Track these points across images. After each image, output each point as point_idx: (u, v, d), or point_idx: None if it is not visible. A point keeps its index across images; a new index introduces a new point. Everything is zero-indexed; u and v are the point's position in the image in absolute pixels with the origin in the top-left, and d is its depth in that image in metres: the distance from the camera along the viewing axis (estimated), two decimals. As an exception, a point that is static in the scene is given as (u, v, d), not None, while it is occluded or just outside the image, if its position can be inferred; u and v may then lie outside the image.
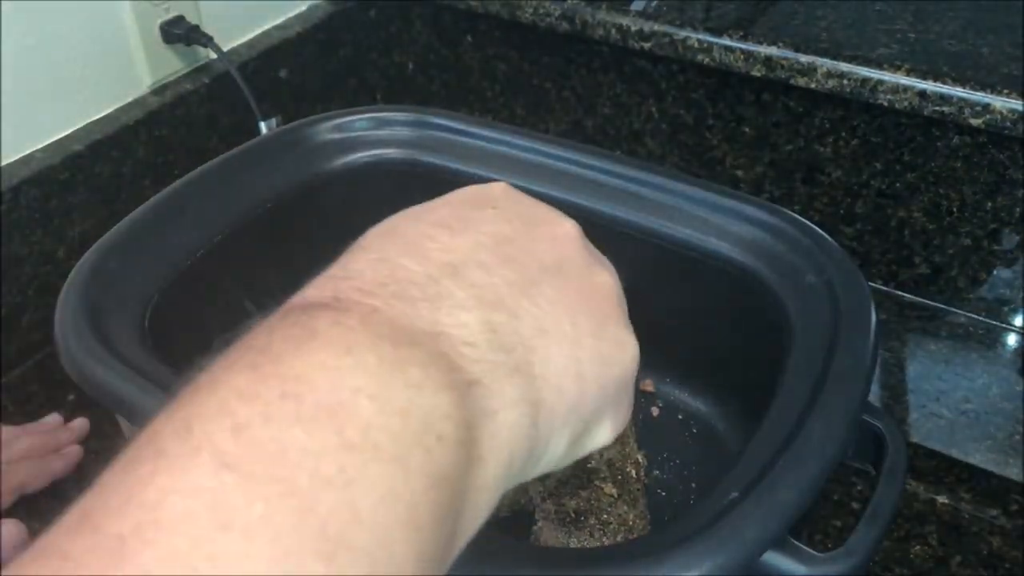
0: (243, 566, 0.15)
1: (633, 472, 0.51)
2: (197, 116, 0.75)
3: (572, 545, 0.46)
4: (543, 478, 0.50)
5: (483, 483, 0.21)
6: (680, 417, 0.59)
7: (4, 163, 0.64)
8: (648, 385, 0.61)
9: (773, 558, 0.36)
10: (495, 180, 0.58)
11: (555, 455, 0.25)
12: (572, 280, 0.26)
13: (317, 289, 0.22)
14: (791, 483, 0.36)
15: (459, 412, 0.20)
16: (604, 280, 0.27)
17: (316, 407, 0.18)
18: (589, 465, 0.50)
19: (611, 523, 0.47)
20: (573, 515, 0.47)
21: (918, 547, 0.55)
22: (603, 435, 0.26)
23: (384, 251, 0.24)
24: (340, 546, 0.16)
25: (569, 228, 0.28)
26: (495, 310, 0.23)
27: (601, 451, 0.51)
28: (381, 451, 0.18)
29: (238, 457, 0.17)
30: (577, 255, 0.27)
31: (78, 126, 0.68)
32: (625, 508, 0.48)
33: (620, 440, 0.52)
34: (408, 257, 0.23)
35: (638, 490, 0.50)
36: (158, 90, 0.73)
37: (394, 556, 0.17)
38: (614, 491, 0.49)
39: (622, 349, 0.27)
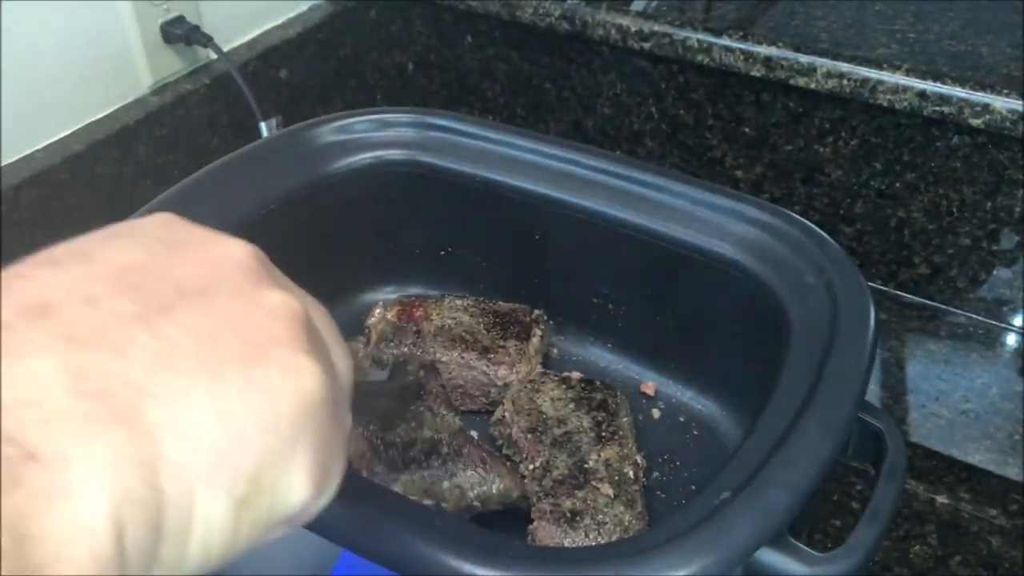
0: None
1: (631, 473, 0.51)
2: (197, 116, 0.75)
3: (567, 544, 0.46)
4: (540, 477, 0.50)
5: None
6: (681, 419, 0.59)
7: (4, 163, 0.64)
8: (649, 387, 0.61)
9: (772, 557, 0.37)
10: (496, 182, 0.59)
11: (215, 526, 0.19)
12: (223, 303, 0.21)
13: None
14: (783, 482, 0.37)
15: None
16: (275, 300, 0.22)
17: None
18: (587, 466, 0.50)
19: (607, 523, 0.47)
20: (569, 515, 0.47)
21: (918, 547, 0.55)
22: (298, 489, 0.21)
23: None
24: None
25: (233, 248, 0.23)
26: (88, 349, 0.18)
27: (599, 451, 0.51)
28: None
29: None
30: (237, 276, 0.22)
31: (78, 126, 0.68)
32: (622, 508, 0.48)
33: (619, 440, 0.52)
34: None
35: (636, 491, 0.50)
36: (158, 90, 0.73)
37: None
38: (611, 491, 0.49)
39: (295, 375, 0.21)
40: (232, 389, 0.20)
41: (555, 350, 0.63)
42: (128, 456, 0.18)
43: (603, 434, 0.52)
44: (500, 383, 0.57)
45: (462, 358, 0.58)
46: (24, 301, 0.19)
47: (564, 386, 0.55)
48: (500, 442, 0.55)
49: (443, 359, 0.58)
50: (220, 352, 0.20)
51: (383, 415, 0.50)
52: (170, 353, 0.19)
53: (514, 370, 0.57)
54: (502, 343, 0.58)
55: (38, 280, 0.20)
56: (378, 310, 0.61)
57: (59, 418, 0.17)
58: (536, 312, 0.61)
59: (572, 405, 0.54)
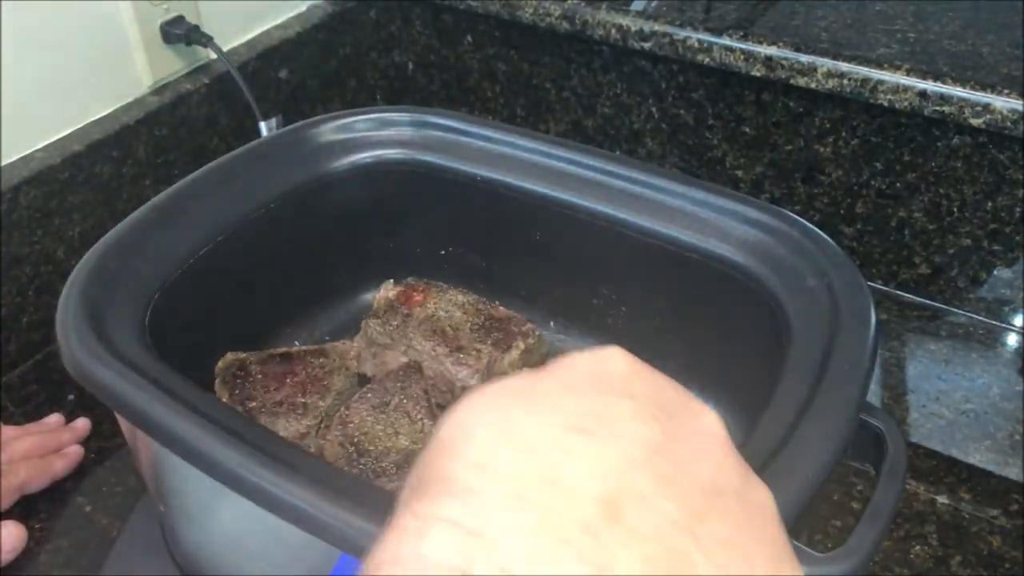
0: None
1: None
2: (197, 116, 0.75)
3: None
4: None
5: None
6: (680, 417, 0.59)
7: (4, 163, 0.64)
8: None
9: (773, 558, 0.36)
10: (496, 181, 0.59)
11: None
12: (733, 504, 0.19)
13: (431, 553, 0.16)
14: (786, 483, 0.37)
15: None
16: (763, 498, 0.20)
17: None
18: None
19: None
20: None
21: (918, 547, 0.55)
22: None
23: (497, 458, 0.18)
24: None
25: (712, 421, 0.22)
26: (666, 562, 0.17)
27: None
28: None
29: None
30: (730, 462, 0.21)
31: (78, 126, 0.68)
32: None
33: None
34: (539, 480, 0.17)
35: None
36: (158, 90, 0.73)
37: None
38: None
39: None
40: None
41: (554, 350, 0.63)
42: None
43: None
44: (459, 384, 0.57)
45: (434, 351, 0.58)
46: (591, 490, 0.17)
47: None
48: None
49: (417, 347, 0.58)
50: (751, 559, 0.18)
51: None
52: (723, 563, 0.18)
53: (477, 376, 0.57)
54: (478, 346, 0.58)
55: (587, 459, 0.18)
56: (385, 286, 0.62)
57: None
58: (528, 326, 0.60)
59: None
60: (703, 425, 0.21)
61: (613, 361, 0.22)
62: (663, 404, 0.21)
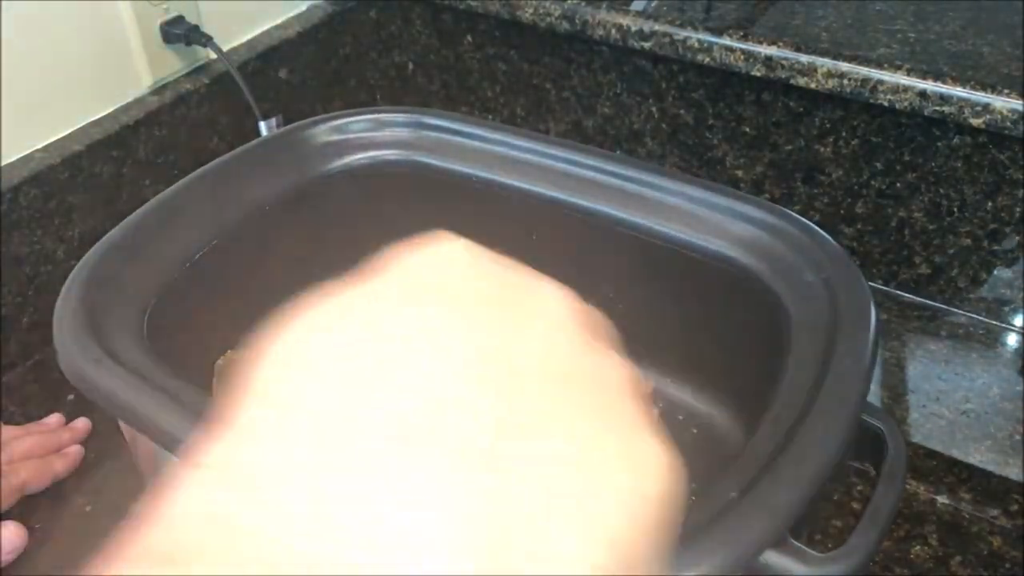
0: None
1: None
2: (197, 116, 0.75)
3: None
4: None
5: None
6: (680, 417, 0.59)
7: (4, 163, 0.64)
8: (648, 386, 0.61)
9: (773, 558, 0.36)
10: (493, 181, 0.58)
11: None
12: (575, 389, 0.18)
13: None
14: (790, 483, 0.36)
15: None
16: (611, 373, 0.20)
17: None
18: None
19: None
20: None
21: (918, 547, 0.55)
22: None
23: (294, 404, 0.16)
24: None
25: (554, 301, 0.21)
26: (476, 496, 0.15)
27: None
28: None
29: None
30: (573, 344, 0.20)
31: (78, 126, 0.68)
32: None
33: None
34: (342, 423, 0.16)
35: None
36: (158, 90, 0.73)
37: None
38: None
39: (658, 467, 0.19)
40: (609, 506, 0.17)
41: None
42: None
43: None
44: None
45: None
46: (384, 428, 0.16)
47: None
48: None
49: None
50: (584, 463, 0.17)
51: None
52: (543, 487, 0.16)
53: None
54: None
55: (392, 382, 0.17)
56: None
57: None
58: None
59: None
60: (541, 310, 0.20)
61: (441, 244, 0.21)
62: (496, 298, 0.20)
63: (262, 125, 0.75)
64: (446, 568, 0.14)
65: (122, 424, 0.46)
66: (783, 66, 0.70)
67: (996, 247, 0.71)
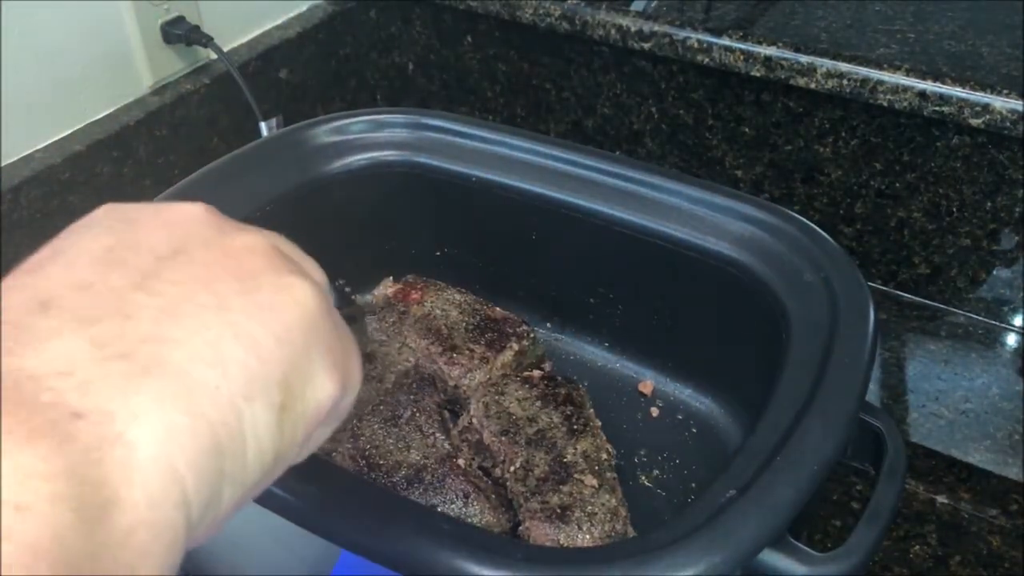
0: None
1: (607, 460, 0.51)
2: (197, 116, 0.75)
3: (562, 540, 0.46)
4: (523, 477, 0.49)
5: (140, 520, 0.18)
6: (680, 417, 0.59)
7: (5, 163, 0.64)
8: (647, 386, 0.61)
9: (773, 558, 0.37)
10: (493, 182, 0.59)
11: (264, 435, 0.22)
12: (199, 255, 0.23)
13: None
14: (788, 482, 0.37)
15: (49, 465, 0.17)
16: (244, 240, 0.24)
17: None
18: (565, 460, 0.50)
19: (597, 513, 0.47)
20: (559, 510, 0.47)
21: (918, 547, 0.55)
22: (323, 387, 0.24)
23: None
24: None
25: (187, 209, 0.25)
26: (97, 323, 0.20)
27: (575, 444, 0.51)
28: None
29: None
30: (202, 230, 0.24)
31: (79, 126, 0.68)
32: (607, 496, 0.48)
33: (591, 431, 0.52)
34: None
35: (613, 478, 0.50)
36: (158, 90, 0.73)
37: None
38: (595, 482, 0.49)
39: (289, 292, 0.23)
40: (239, 315, 0.22)
41: (552, 350, 0.64)
42: (165, 398, 0.20)
43: (575, 427, 0.52)
44: (452, 383, 0.57)
45: (427, 350, 0.58)
46: (25, 301, 0.20)
47: (528, 385, 0.55)
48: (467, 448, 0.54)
49: (411, 345, 0.58)
50: (217, 289, 0.22)
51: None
52: (172, 304, 0.21)
53: (468, 375, 0.57)
54: (471, 346, 0.58)
55: (30, 284, 0.21)
56: (384, 283, 0.62)
57: (93, 381, 0.19)
58: (523, 327, 0.60)
59: (539, 403, 0.54)
60: (173, 215, 0.25)
61: (96, 211, 0.26)
62: (126, 218, 0.25)
63: (262, 125, 0.75)
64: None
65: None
66: (783, 66, 0.70)
67: (995, 247, 0.71)
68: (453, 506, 0.48)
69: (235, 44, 0.79)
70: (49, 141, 0.66)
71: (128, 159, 0.70)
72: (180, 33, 0.72)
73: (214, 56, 0.75)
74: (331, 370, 0.24)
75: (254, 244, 0.24)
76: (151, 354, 0.20)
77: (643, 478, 0.55)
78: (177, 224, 0.24)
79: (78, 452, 0.18)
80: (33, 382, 0.18)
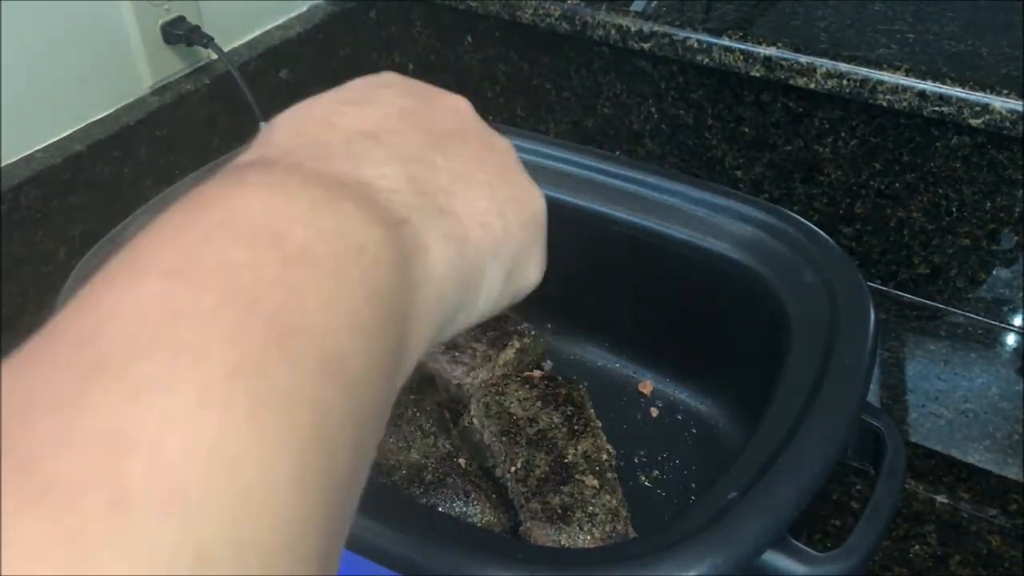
0: (197, 344, 0.16)
1: (608, 460, 0.51)
2: (197, 116, 0.75)
3: (563, 541, 0.46)
4: (523, 478, 0.50)
5: (419, 309, 0.23)
6: (679, 417, 0.59)
7: (5, 163, 0.64)
8: (646, 386, 0.61)
9: (773, 558, 0.37)
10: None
11: (492, 290, 0.27)
12: (473, 141, 0.28)
13: (241, 158, 0.24)
14: (790, 483, 0.37)
15: (392, 242, 0.21)
16: (502, 143, 0.29)
17: (254, 231, 0.19)
18: (566, 460, 0.50)
19: (598, 513, 0.47)
20: (560, 511, 0.47)
21: (917, 547, 0.55)
22: (533, 272, 0.29)
23: (300, 125, 0.25)
24: (290, 331, 0.17)
25: (462, 102, 0.30)
26: (412, 163, 0.25)
27: (575, 445, 0.51)
28: (320, 265, 0.19)
29: (183, 269, 0.17)
30: (474, 123, 0.29)
31: (79, 126, 0.68)
32: (608, 497, 0.48)
33: (591, 432, 0.52)
34: (324, 128, 0.25)
35: (614, 478, 0.50)
36: (158, 90, 0.73)
37: (342, 353, 0.18)
38: (595, 482, 0.49)
39: (531, 193, 0.29)
40: (503, 196, 0.27)
41: (552, 350, 0.64)
42: (450, 238, 0.24)
43: (575, 427, 0.52)
44: (454, 383, 0.57)
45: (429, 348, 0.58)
46: (354, 127, 0.25)
47: (528, 385, 0.55)
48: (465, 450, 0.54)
49: None
50: (487, 172, 0.27)
51: None
52: (460, 171, 0.26)
53: (471, 375, 0.57)
54: (473, 344, 0.58)
55: (354, 115, 0.26)
56: None
57: (411, 204, 0.23)
58: (524, 326, 0.60)
59: (539, 403, 0.54)
60: (453, 103, 0.29)
61: (383, 73, 0.30)
62: (417, 91, 0.29)
63: (262, 125, 0.75)
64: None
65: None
66: (782, 66, 0.70)
67: (995, 247, 0.71)
68: (453, 506, 0.48)
69: (235, 44, 0.79)
70: (49, 141, 0.66)
71: (128, 159, 0.70)
72: (180, 33, 0.71)
73: (214, 56, 0.75)
74: (541, 264, 0.29)
75: (508, 148, 0.30)
76: (445, 200, 0.25)
77: (643, 478, 0.55)
78: (457, 110, 0.29)
79: (402, 245, 0.22)
80: (373, 188, 0.23)
